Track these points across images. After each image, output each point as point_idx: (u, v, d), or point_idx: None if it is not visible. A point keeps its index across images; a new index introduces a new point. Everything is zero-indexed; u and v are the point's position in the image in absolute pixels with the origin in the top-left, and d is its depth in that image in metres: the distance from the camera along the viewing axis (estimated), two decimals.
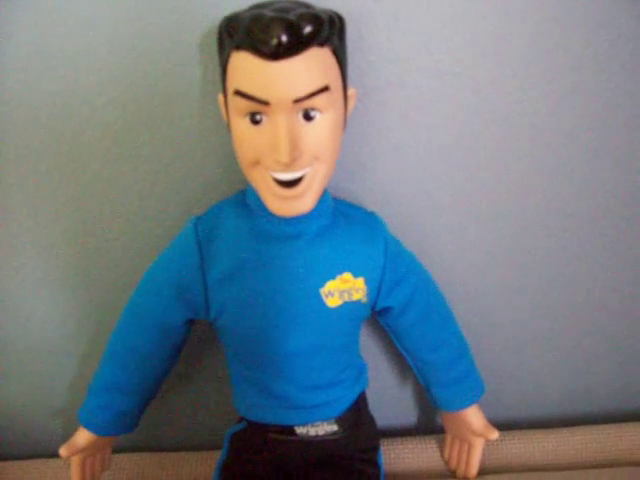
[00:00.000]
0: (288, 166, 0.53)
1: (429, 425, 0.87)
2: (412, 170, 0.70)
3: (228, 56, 0.53)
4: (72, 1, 0.60)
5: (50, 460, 0.78)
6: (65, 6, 0.60)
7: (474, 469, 0.74)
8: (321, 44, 0.51)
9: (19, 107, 0.64)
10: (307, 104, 0.52)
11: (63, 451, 0.65)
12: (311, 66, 0.51)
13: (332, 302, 0.61)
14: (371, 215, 0.66)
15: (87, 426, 0.66)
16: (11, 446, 0.84)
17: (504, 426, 0.78)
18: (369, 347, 0.79)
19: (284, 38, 0.48)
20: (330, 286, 0.61)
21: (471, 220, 0.74)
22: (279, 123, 0.51)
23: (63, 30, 0.61)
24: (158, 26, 0.62)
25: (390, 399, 0.84)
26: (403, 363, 0.81)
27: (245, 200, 0.62)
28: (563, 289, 0.79)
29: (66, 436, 0.83)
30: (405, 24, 0.63)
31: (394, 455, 0.78)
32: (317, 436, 0.66)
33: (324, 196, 0.61)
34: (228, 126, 0.57)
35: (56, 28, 0.61)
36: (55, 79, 0.63)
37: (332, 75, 0.53)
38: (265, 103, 0.51)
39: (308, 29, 0.49)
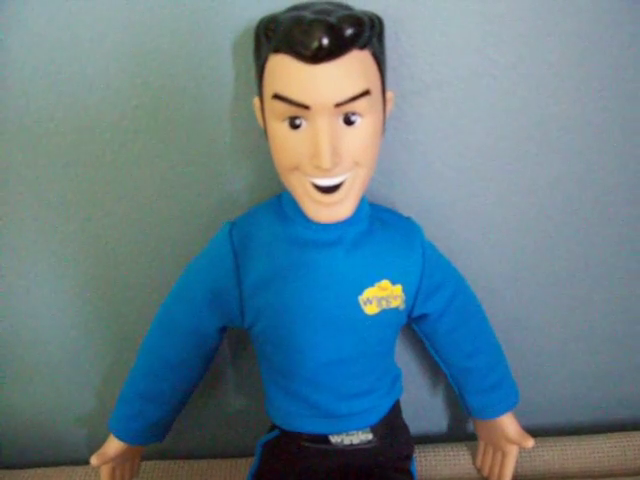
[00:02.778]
0: (328, 172, 0.52)
1: (461, 432, 0.86)
2: (449, 175, 0.69)
3: (265, 59, 0.52)
4: (104, 4, 0.59)
5: (77, 467, 0.77)
6: (97, 9, 0.59)
7: (508, 477, 0.73)
8: (362, 47, 0.50)
9: (46, 112, 0.64)
10: (348, 108, 0.50)
11: (94, 460, 0.65)
12: (352, 69, 0.49)
13: (370, 310, 0.60)
14: (408, 221, 0.65)
15: (118, 435, 0.65)
16: (37, 453, 0.84)
17: (537, 433, 0.76)
18: (399, 354, 0.78)
19: (325, 41, 0.47)
20: (368, 293, 0.60)
21: (506, 226, 0.73)
22: (320, 128, 0.50)
23: (93, 33, 0.60)
24: (190, 28, 0.61)
25: (422, 406, 0.83)
26: (434, 369, 0.80)
27: (281, 206, 0.61)
28: (599, 294, 0.78)
29: (92, 443, 0.83)
30: (443, 26, 0.61)
31: (426, 462, 0.77)
32: (352, 445, 0.65)
33: (362, 202, 0.60)
34: (264, 131, 0.56)
35: (86, 31, 0.60)
36: (84, 83, 0.62)
37: (372, 78, 0.52)
38: (305, 107, 0.50)
39: (349, 32, 0.48)
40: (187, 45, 0.61)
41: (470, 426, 0.85)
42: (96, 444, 0.68)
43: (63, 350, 0.77)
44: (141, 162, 0.66)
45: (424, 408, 0.83)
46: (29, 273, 0.72)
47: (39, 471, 0.77)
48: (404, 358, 0.79)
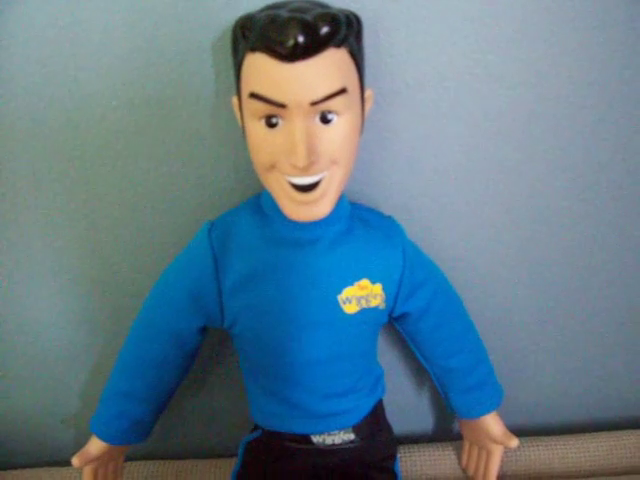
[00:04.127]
0: (305, 170, 0.51)
1: (446, 432, 0.85)
2: (429, 174, 0.69)
3: (242, 58, 0.52)
4: (85, 4, 0.59)
5: (62, 469, 0.77)
6: (78, 10, 0.59)
7: (493, 477, 0.73)
8: (338, 45, 0.50)
9: (30, 112, 0.64)
10: (324, 107, 0.50)
11: (76, 461, 0.64)
12: (328, 68, 0.49)
13: (350, 309, 0.60)
14: (389, 220, 0.65)
15: (100, 435, 0.65)
16: (22, 454, 0.83)
17: (523, 432, 0.76)
18: (384, 353, 0.78)
19: (300, 39, 0.47)
20: (348, 293, 0.60)
21: (488, 225, 0.72)
22: (296, 126, 0.50)
23: (75, 34, 0.60)
24: (170, 28, 0.61)
25: (406, 405, 0.83)
26: (419, 369, 0.79)
27: (260, 205, 0.61)
28: (584, 293, 0.78)
29: (77, 444, 0.82)
30: (423, 24, 0.61)
31: (411, 462, 0.77)
32: (334, 445, 0.65)
33: (341, 200, 0.60)
34: (242, 129, 0.56)
35: (68, 31, 0.60)
36: (66, 83, 0.62)
37: (349, 77, 0.52)
38: (281, 106, 0.50)
39: (325, 30, 0.48)
40: (167, 45, 0.61)
41: (455, 426, 0.85)
42: (81, 445, 0.68)
43: (48, 350, 0.77)
44: (121, 162, 0.66)
45: (409, 408, 0.83)
46: (11, 275, 0.72)
47: (24, 472, 0.77)
48: (388, 357, 0.79)
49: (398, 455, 0.72)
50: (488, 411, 0.70)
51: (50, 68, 0.62)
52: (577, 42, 0.63)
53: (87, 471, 0.66)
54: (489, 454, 0.72)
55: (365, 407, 0.66)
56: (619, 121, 0.68)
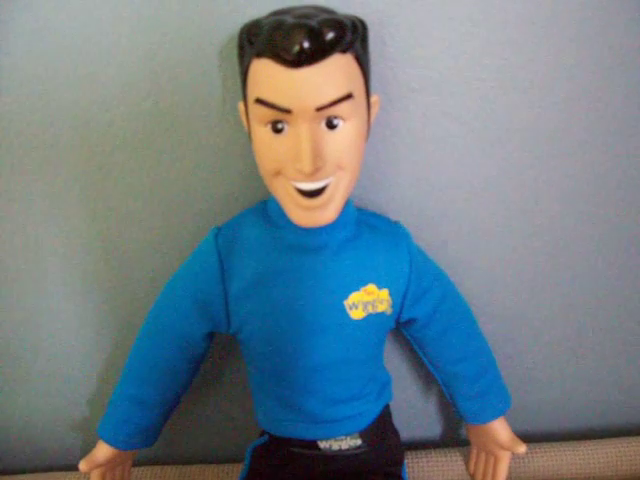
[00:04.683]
0: (311, 176, 0.51)
1: (454, 437, 0.85)
2: (436, 179, 0.69)
3: (249, 64, 0.52)
4: (92, 10, 0.60)
5: (69, 473, 0.77)
6: (85, 15, 0.60)
7: None
8: (344, 51, 0.50)
9: (37, 119, 0.64)
10: (330, 112, 0.50)
11: (83, 465, 0.64)
12: (334, 73, 0.49)
13: (356, 314, 0.60)
14: (396, 225, 0.65)
15: (107, 440, 0.65)
16: (30, 459, 0.83)
17: (531, 438, 0.76)
18: (392, 358, 0.78)
19: (306, 45, 0.47)
20: (354, 298, 0.60)
21: (495, 230, 0.72)
22: (301, 132, 0.50)
23: (83, 40, 0.61)
24: (177, 34, 0.61)
25: (414, 411, 0.82)
26: (427, 375, 0.79)
27: (266, 211, 0.61)
28: (591, 298, 0.77)
29: (85, 449, 0.82)
30: (429, 30, 0.61)
31: (418, 468, 0.76)
32: (340, 450, 0.64)
33: (347, 206, 0.60)
34: (249, 135, 0.56)
35: (76, 38, 0.61)
36: (74, 89, 0.63)
37: (355, 82, 0.52)
38: (287, 111, 0.50)
39: (330, 35, 0.48)
40: (173, 51, 0.62)
41: (463, 432, 0.84)
42: (89, 449, 0.68)
43: (56, 356, 0.77)
44: (129, 167, 0.67)
45: (416, 413, 0.83)
46: (20, 280, 0.72)
47: (30, 477, 0.77)
48: (396, 363, 0.79)
49: (405, 461, 0.72)
50: (496, 417, 0.70)
51: (58, 75, 0.62)
52: (585, 47, 0.63)
53: (94, 476, 0.66)
54: (497, 460, 0.72)
55: (372, 413, 0.66)
56: (627, 125, 0.68)
